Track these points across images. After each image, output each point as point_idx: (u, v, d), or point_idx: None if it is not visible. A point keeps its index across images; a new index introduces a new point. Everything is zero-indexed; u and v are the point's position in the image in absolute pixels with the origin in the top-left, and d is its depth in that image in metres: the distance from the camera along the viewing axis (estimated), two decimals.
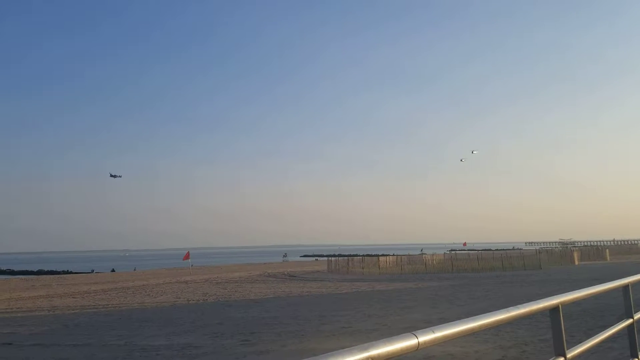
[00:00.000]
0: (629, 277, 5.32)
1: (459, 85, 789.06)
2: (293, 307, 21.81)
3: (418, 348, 2.07)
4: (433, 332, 2.21)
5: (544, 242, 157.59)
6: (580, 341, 4.09)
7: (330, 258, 64.70)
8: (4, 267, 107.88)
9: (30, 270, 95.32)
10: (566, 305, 3.89)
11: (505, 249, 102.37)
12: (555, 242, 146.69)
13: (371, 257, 63.95)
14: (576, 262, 53.36)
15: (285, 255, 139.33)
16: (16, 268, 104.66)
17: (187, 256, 60.89)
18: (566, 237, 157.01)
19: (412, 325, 14.62)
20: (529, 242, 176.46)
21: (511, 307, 3.02)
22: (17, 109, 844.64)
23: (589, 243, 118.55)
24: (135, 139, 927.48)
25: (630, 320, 5.02)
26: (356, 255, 79.18)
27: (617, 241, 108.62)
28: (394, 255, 71.78)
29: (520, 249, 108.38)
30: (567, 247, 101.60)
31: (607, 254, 63.75)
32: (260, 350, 12.15)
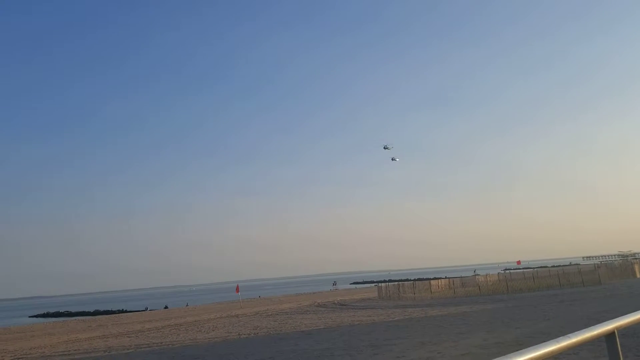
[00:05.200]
0: None
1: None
2: (344, 338, 21.48)
3: None
4: None
5: (602, 256, 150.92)
6: None
7: (380, 284, 63.71)
8: (62, 310, 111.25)
9: (87, 311, 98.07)
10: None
11: (562, 265, 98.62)
12: (614, 255, 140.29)
13: (422, 281, 62.67)
14: (638, 275, 50.99)
15: (334, 284, 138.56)
16: (74, 310, 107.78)
17: (237, 289, 61.44)
18: (625, 248, 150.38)
19: (468, 351, 14.13)
20: (587, 257, 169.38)
21: (561, 337, 2.83)
22: (44, 150, 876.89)
23: None
24: (165, 173, 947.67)
25: None
26: (407, 280, 77.78)
27: None
28: (446, 278, 70.34)
29: (578, 264, 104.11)
30: (627, 259, 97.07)
31: None
32: None
